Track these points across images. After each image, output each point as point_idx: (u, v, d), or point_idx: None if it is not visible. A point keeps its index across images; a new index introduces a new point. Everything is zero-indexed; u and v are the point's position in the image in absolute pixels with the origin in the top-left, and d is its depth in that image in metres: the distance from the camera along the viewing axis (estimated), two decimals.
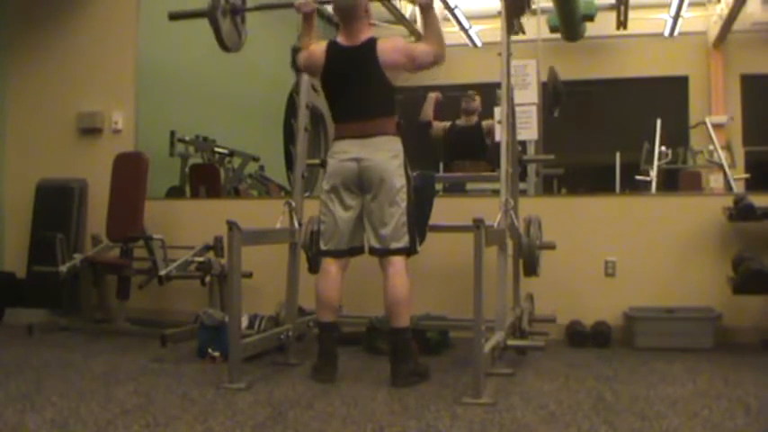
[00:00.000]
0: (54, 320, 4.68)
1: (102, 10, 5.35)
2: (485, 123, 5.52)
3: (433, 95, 5.79)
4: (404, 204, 3.22)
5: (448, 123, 5.79)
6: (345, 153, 3.26)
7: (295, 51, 3.52)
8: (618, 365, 3.62)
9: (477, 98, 5.69)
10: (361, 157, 3.21)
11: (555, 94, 6.58)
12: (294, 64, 3.55)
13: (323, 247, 3.35)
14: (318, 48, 3.40)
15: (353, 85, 3.30)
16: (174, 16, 3.95)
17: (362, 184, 3.24)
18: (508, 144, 3.53)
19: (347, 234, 3.29)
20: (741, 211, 4.06)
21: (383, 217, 3.21)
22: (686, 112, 7.95)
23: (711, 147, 6.73)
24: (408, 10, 7.91)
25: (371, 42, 3.28)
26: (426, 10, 3.30)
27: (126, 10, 5.28)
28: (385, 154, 3.22)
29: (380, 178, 3.19)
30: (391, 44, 3.30)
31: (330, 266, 3.32)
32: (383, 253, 3.23)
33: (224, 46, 3.74)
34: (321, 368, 3.24)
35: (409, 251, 3.25)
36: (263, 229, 3.68)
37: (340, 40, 3.36)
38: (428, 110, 5.78)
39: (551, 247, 3.98)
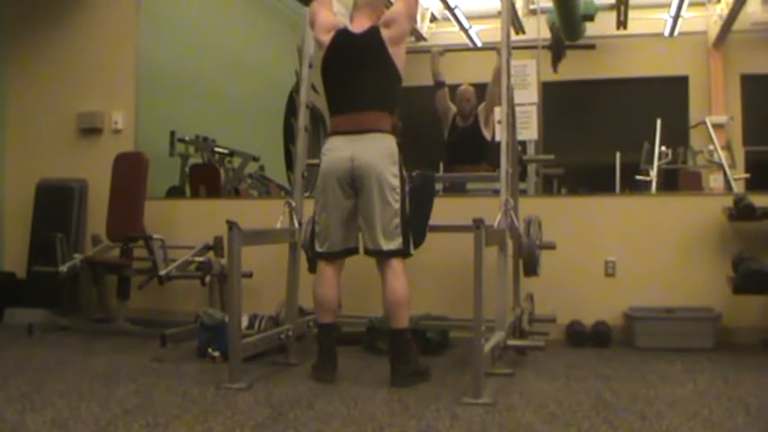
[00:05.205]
0: (54, 320, 4.67)
1: (102, 10, 5.35)
2: (480, 108, 5.27)
3: (436, 50, 5.47)
4: (397, 205, 3.16)
5: (454, 110, 5.43)
6: (338, 151, 3.21)
7: None
8: (618, 365, 3.62)
9: (472, 90, 5.40)
10: (354, 156, 3.15)
11: (557, 49, 6.60)
12: None
13: (318, 248, 3.32)
14: (332, 25, 3.34)
15: (353, 72, 3.24)
16: None
17: (355, 183, 3.19)
18: (508, 144, 3.53)
19: (341, 235, 3.26)
20: (741, 211, 4.06)
21: (375, 217, 3.16)
22: (686, 112, 7.94)
23: (711, 147, 6.72)
24: None
25: (375, 29, 3.24)
26: None
27: (126, 10, 5.29)
28: (378, 152, 3.16)
29: (373, 177, 3.13)
30: (386, 20, 3.25)
31: (326, 268, 3.30)
32: (375, 254, 3.20)
33: None
34: (321, 368, 3.24)
35: (402, 253, 3.19)
36: (263, 229, 3.68)
37: (349, 26, 3.33)
38: (437, 67, 5.41)
39: (551, 247, 3.99)
